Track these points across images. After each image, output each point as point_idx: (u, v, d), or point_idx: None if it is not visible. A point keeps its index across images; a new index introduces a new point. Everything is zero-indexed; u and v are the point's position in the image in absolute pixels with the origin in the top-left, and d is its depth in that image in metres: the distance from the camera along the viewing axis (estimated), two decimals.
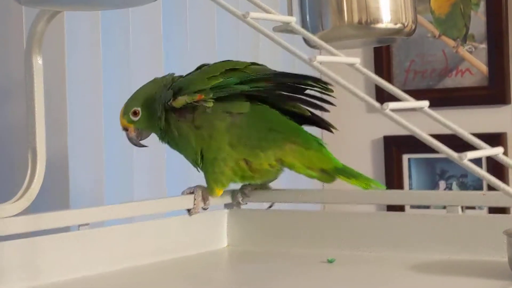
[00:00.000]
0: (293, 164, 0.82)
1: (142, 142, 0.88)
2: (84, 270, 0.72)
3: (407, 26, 0.71)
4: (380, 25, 0.70)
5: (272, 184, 0.90)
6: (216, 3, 0.48)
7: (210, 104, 0.80)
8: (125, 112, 0.86)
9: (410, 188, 1.66)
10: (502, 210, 1.04)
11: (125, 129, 0.86)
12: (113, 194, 1.10)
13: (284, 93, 0.83)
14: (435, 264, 0.74)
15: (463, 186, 1.62)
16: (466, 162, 0.42)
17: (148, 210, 0.81)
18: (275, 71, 0.85)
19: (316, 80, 0.82)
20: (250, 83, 0.81)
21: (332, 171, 0.82)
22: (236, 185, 0.90)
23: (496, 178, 0.44)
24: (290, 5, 0.71)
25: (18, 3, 0.56)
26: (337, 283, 0.69)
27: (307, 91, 0.84)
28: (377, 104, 0.45)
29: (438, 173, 1.65)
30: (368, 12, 0.69)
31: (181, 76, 0.87)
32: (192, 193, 0.85)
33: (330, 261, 0.76)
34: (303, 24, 0.73)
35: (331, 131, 0.86)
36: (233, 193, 0.89)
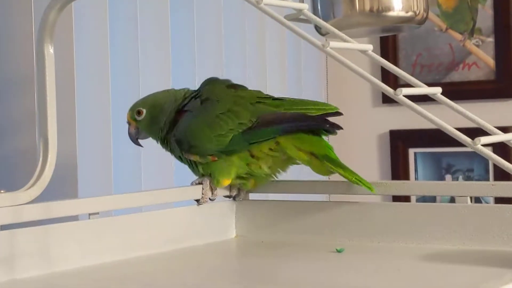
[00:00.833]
0: (287, 146, 0.82)
1: (140, 142, 0.90)
2: (95, 258, 0.72)
3: (418, 14, 0.71)
4: (391, 13, 0.70)
5: (279, 176, 0.90)
6: None
7: (223, 157, 0.83)
8: (132, 108, 0.88)
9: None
10: (510, 201, 1.04)
11: (128, 123, 0.89)
12: (121, 184, 1.10)
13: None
14: (444, 254, 0.74)
15: (469, 180, 1.62)
16: (479, 147, 0.42)
17: (158, 199, 0.81)
18: (281, 117, 0.82)
19: (322, 123, 0.82)
20: (256, 143, 0.82)
21: (321, 157, 0.81)
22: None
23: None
24: None
25: None
26: (346, 273, 0.69)
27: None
28: (390, 90, 0.45)
29: (444, 167, 1.65)
30: (379, 0, 0.69)
31: (195, 93, 0.87)
32: (201, 183, 0.86)
33: (339, 251, 0.76)
34: (314, 12, 0.72)
35: (340, 114, 0.85)
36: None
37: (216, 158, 0.83)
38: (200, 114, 0.84)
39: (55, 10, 0.68)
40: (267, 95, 0.86)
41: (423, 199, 1.50)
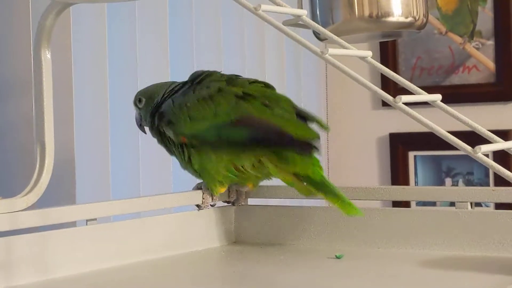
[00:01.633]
0: (269, 166, 0.80)
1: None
2: (92, 264, 0.72)
3: (418, 19, 0.71)
4: (391, 19, 0.70)
5: (279, 182, 0.90)
6: None
7: (196, 144, 0.82)
8: (136, 95, 0.90)
9: (416, 186, 1.66)
10: (510, 206, 1.04)
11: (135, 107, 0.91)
12: (119, 189, 1.10)
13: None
14: (444, 260, 0.73)
15: (469, 184, 1.61)
16: (480, 155, 0.42)
17: (157, 205, 0.80)
18: (258, 123, 0.80)
19: (294, 144, 0.79)
20: (228, 142, 0.81)
21: (304, 178, 0.78)
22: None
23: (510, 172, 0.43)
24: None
25: None
26: (345, 279, 0.68)
27: None
28: (390, 97, 0.45)
29: (444, 171, 1.65)
30: (379, 6, 0.69)
31: (186, 82, 0.87)
32: (200, 188, 0.85)
33: (338, 257, 0.76)
34: (313, 17, 0.72)
35: (309, 151, 0.80)
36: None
37: (186, 140, 0.82)
38: (185, 94, 0.85)
39: (52, 15, 0.68)
40: (264, 86, 0.85)
41: (422, 203, 1.50)
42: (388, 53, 1.67)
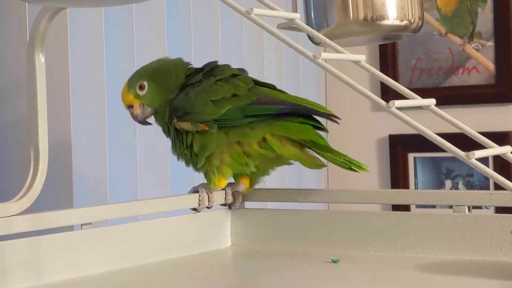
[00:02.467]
0: (273, 142, 0.81)
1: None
2: (87, 269, 0.71)
3: (413, 22, 0.70)
4: (386, 22, 0.69)
5: (277, 184, 0.90)
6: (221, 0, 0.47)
7: (214, 130, 0.82)
8: (131, 85, 0.82)
9: (416, 187, 1.65)
10: (509, 210, 1.03)
11: (130, 106, 0.83)
12: (117, 193, 1.09)
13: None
14: (442, 264, 0.73)
15: (469, 185, 1.61)
16: (473, 161, 0.41)
17: (153, 209, 0.80)
18: (280, 101, 0.82)
19: (321, 114, 0.83)
20: (253, 117, 0.81)
21: (309, 143, 0.81)
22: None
23: (503, 177, 0.43)
24: (295, 2, 0.71)
25: (22, 0, 0.55)
26: (342, 283, 0.68)
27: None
28: (383, 102, 0.44)
29: (444, 172, 1.64)
30: (374, 9, 0.68)
31: (197, 70, 0.86)
32: (197, 191, 0.85)
33: (334, 261, 0.75)
34: (308, 21, 0.72)
35: (336, 122, 0.84)
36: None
37: (207, 128, 0.80)
38: (200, 85, 0.82)
39: (46, 19, 0.67)
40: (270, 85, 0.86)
41: (422, 205, 1.49)
42: (387, 54, 1.67)
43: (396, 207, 1.35)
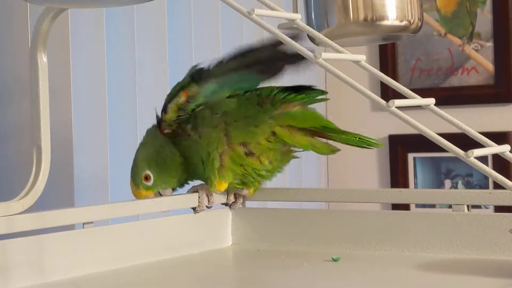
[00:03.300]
0: (284, 135, 0.81)
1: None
2: (89, 268, 0.72)
3: (413, 23, 0.71)
4: (385, 22, 0.69)
5: (277, 184, 0.90)
6: (221, 0, 0.47)
7: (200, 99, 0.80)
8: (136, 182, 0.82)
9: (416, 187, 1.65)
10: (509, 209, 1.04)
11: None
12: (118, 192, 1.10)
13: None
14: (441, 263, 0.73)
15: (468, 185, 1.61)
16: (473, 159, 0.42)
17: (153, 208, 0.80)
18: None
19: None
20: (228, 66, 0.79)
21: (321, 129, 0.81)
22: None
23: (502, 176, 0.43)
24: (295, 3, 0.71)
25: (24, 1, 0.56)
26: (342, 282, 0.68)
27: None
28: (382, 102, 0.45)
29: (444, 172, 1.64)
30: (373, 9, 0.69)
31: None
32: (196, 191, 0.85)
33: (335, 260, 0.76)
34: (308, 21, 0.72)
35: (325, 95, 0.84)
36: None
37: (188, 91, 0.79)
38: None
39: (48, 19, 0.68)
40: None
41: (422, 205, 1.50)
42: (387, 54, 1.67)
43: (395, 207, 1.35)
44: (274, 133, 0.81)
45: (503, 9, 1.59)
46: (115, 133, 1.10)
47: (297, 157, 0.86)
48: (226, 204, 0.89)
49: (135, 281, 0.71)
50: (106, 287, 0.68)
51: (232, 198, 0.88)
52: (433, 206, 1.44)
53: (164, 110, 0.82)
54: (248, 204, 0.90)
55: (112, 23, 1.11)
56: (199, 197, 0.84)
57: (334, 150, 0.82)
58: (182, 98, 0.80)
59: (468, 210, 0.76)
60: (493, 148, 0.44)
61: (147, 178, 0.81)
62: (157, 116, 0.84)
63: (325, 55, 0.46)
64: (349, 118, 1.71)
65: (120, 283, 0.70)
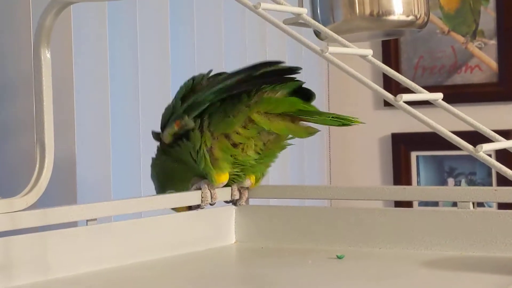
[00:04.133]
0: (259, 120, 0.81)
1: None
2: (92, 265, 0.72)
3: (419, 18, 0.70)
4: (392, 17, 0.69)
5: (279, 181, 0.89)
6: None
7: (191, 124, 0.83)
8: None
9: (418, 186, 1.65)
10: None
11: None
12: (120, 189, 1.10)
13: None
14: (446, 260, 0.73)
15: (471, 184, 1.61)
16: (481, 154, 0.42)
17: (157, 205, 0.80)
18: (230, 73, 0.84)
19: (272, 64, 0.83)
20: (215, 93, 0.82)
21: (296, 112, 0.81)
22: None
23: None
24: None
25: None
26: (346, 280, 0.68)
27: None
28: (391, 96, 0.44)
29: (447, 171, 1.64)
30: (380, 4, 0.68)
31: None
32: (199, 188, 0.85)
33: (339, 257, 0.75)
34: (314, 16, 0.72)
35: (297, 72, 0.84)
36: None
37: (179, 122, 0.83)
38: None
39: (52, 15, 0.67)
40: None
41: (425, 203, 1.49)
42: (390, 52, 1.67)
43: (398, 204, 1.35)
44: (252, 120, 0.82)
45: (507, 6, 1.59)
46: (117, 130, 1.10)
47: (290, 144, 0.86)
48: (230, 201, 0.89)
49: (138, 278, 0.71)
50: (109, 284, 0.68)
51: (236, 194, 0.87)
52: (435, 204, 1.44)
53: (162, 130, 0.87)
54: (251, 201, 0.90)
55: (115, 18, 1.11)
56: (202, 193, 0.84)
57: (311, 133, 0.82)
58: (174, 128, 0.85)
59: (474, 207, 0.76)
60: (502, 143, 0.44)
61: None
62: (155, 133, 0.89)
63: (332, 49, 0.45)
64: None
65: (123, 280, 0.69)
